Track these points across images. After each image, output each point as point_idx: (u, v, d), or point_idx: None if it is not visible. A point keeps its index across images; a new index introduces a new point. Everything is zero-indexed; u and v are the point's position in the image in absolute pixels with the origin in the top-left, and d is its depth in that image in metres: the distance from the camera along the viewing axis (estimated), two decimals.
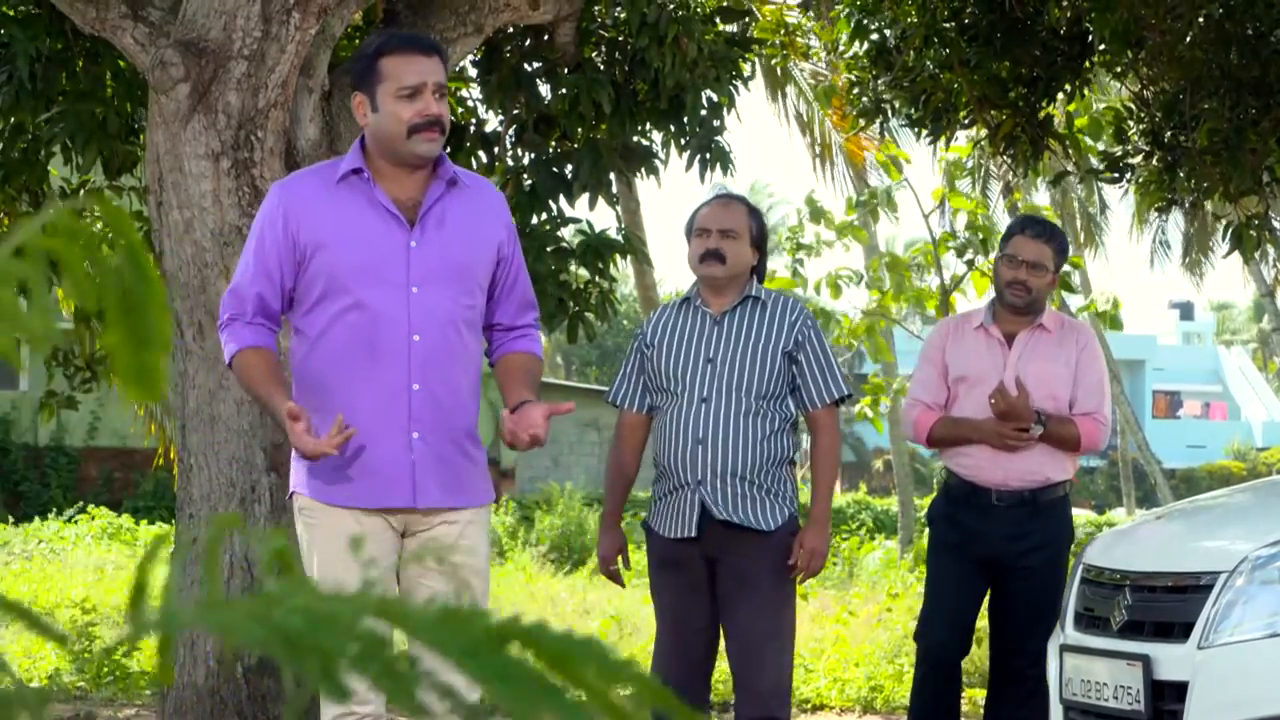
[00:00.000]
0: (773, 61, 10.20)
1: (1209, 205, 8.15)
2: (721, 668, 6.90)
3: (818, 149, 14.23)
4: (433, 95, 3.45)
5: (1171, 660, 4.18)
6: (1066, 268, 11.70)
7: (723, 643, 4.45)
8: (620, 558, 4.50)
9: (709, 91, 6.55)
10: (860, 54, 7.40)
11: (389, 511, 3.48)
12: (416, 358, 3.45)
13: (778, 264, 12.79)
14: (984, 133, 7.54)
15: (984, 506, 4.96)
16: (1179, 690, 4.14)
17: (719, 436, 4.31)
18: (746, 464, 4.31)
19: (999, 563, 4.94)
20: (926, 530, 5.41)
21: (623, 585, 4.61)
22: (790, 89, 12.98)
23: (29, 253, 0.73)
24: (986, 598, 5.06)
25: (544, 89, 6.64)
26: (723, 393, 4.34)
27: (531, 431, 3.45)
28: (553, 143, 6.70)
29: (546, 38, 6.41)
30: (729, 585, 4.34)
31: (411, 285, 3.46)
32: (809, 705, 7.64)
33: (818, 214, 12.03)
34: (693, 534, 4.31)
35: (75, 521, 16.36)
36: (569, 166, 6.64)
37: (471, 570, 3.56)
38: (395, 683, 0.66)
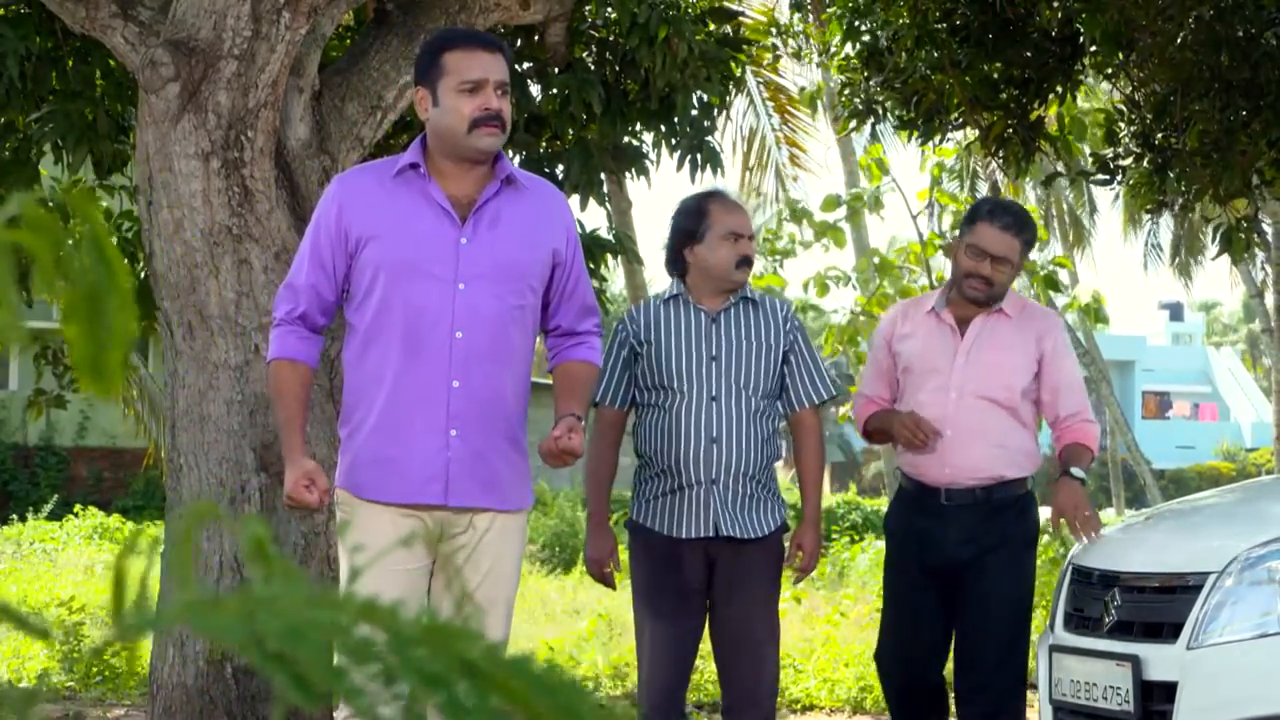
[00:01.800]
0: (755, 65, 10.18)
1: (1199, 207, 8.17)
2: (703, 668, 6.92)
3: (751, 162, 14.17)
4: (495, 91, 3.47)
5: (1161, 660, 4.18)
6: (1053, 268, 11.74)
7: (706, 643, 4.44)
8: (612, 559, 4.42)
9: (700, 92, 6.55)
10: (852, 55, 7.41)
11: (423, 509, 3.48)
12: (458, 354, 3.45)
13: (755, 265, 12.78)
14: (975, 134, 7.55)
15: (935, 509, 4.55)
16: (1168, 690, 4.14)
17: (732, 435, 4.29)
18: (755, 463, 4.31)
19: (951, 571, 4.51)
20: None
21: (614, 587, 4.51)
22: (741, 99, 12.88)
23: None
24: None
25: (534, 89, 6.64)
26: (730, 391, 4.32)
27: (561, 447, 3.45)
28: (543, 143, 6.69)
29: (537, 38, 6.40)
30: (726, 585, 4.31)
31: (459, 282, 3.47)
32: (799, 705, 7.64)
33: (798, 215, 12.04)
34: (709, 534, 4.28)
35: (63, 521, 16.35)
36: (560, 166, 6.64)
37: (498, 575, 3.54)
38: (361, 700, 0.65)
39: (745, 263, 4.40)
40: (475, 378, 3.47)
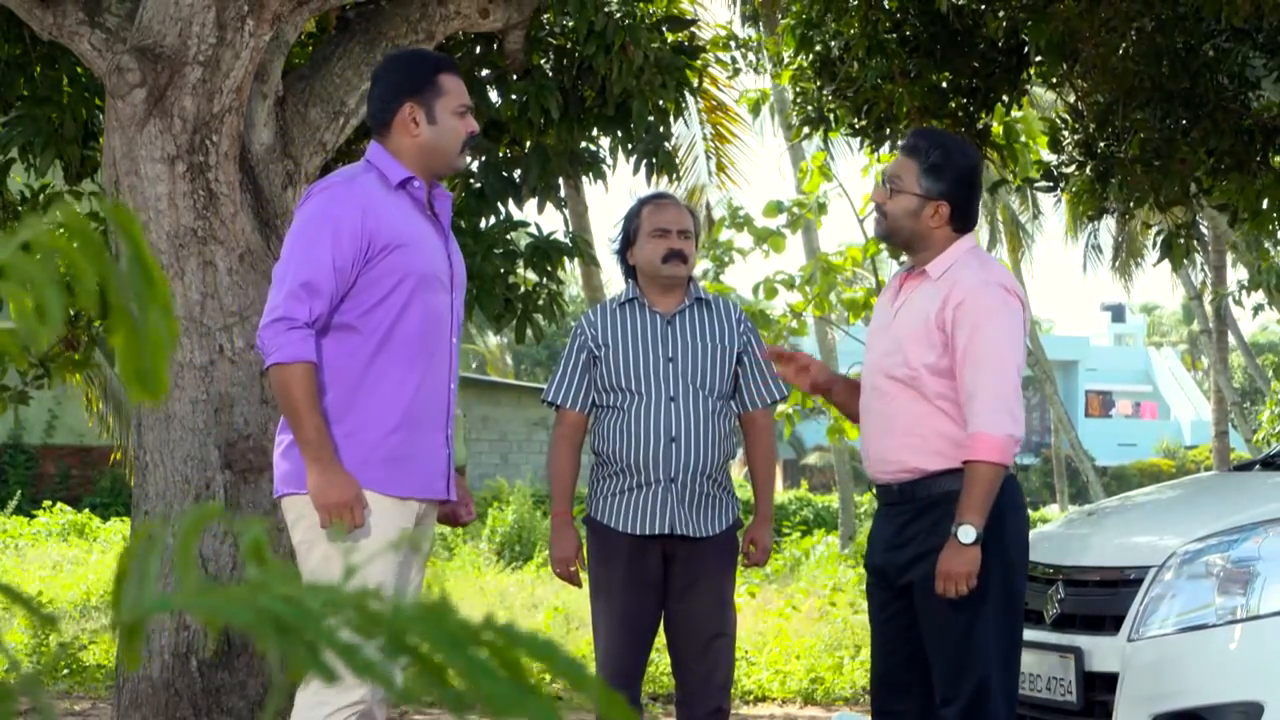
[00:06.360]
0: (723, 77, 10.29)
1: (1139, 213, 8.35)
2: (658, 660, 7.02)
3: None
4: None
5: (1102, 652, 4.30)
6: None
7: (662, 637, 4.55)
8: (577, 558, 4.47)
9: (655, 98, 6.65)
10: (805, 65, 7.55)
11: (422, 502, 3.68)
12: (455, 359, 3.74)
13: (698, 270, 12.88)
14: None
15: (879, 508, 3.99)
16: (1109, 681, 4.26)
17: (691, 434, 4.38)
18: (713, 461, 4.40)
19: (888, 578, 3.87)
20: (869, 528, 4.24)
21: (579, 585, 4.56)
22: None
23: (38, 251, 0.74)
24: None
25: (494, 95, 6.73)
26: (688, 391, 4.40)
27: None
28: (503, 147, 6.78)
29: (496, 45, 6.49)
30: (681, 581, 4.40)
31: (453, 290, 3.72)
32: (751, 696, 7.77)
33: (740, 223, 12.15)
34: (665, 531, 4.36)
35: (32, 518, 16.38)
36: (518, 171, 6.73)
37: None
38: (373, 670, 0.68)
39: (674, 256, 4.45)
40: (455, 379, 3.76)
